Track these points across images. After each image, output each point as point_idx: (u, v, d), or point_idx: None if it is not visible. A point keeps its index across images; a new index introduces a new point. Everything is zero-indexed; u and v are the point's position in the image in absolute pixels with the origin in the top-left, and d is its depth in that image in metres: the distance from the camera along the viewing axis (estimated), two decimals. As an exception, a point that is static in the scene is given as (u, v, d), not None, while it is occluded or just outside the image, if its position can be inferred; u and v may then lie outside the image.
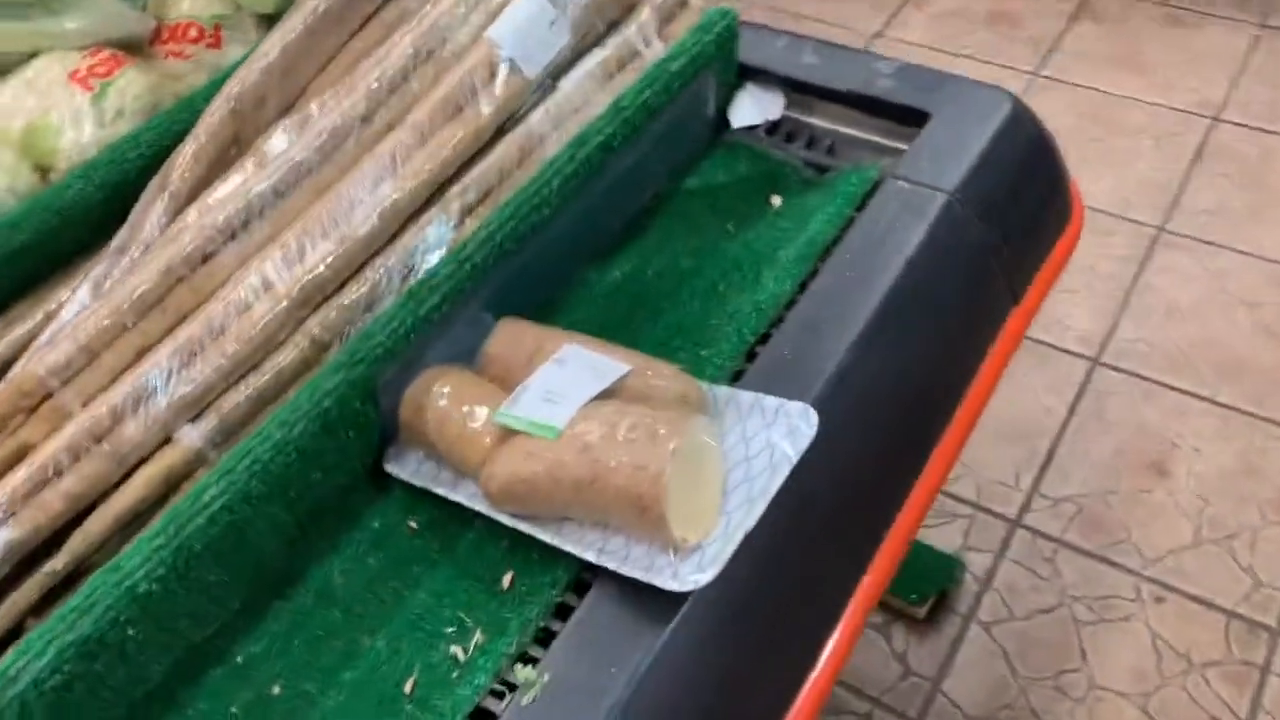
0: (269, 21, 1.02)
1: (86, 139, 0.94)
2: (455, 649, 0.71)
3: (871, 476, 0.78)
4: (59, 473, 0.69)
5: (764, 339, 0.86)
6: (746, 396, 0.76)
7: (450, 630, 0.72)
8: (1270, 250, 1.94)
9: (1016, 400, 1.73)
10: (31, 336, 0.82)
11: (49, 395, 0.71)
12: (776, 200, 0.99)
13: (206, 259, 0.77)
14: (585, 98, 0.94)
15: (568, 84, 0.93)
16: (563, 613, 0.72)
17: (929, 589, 1.48)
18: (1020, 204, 0.95)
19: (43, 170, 0.94)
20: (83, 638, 0.63)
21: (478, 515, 0.75)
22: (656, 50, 0.99)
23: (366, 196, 0.81)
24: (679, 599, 0.66)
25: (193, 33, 1.03)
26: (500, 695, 0.68)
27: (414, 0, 0.97)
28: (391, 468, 0.80)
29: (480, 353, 0.82)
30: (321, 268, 0.78)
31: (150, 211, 0.85)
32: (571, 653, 0.67)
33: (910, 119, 0.97)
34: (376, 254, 0.82)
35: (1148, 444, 1.67)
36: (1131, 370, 1.78)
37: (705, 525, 0.69)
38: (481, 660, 0.70)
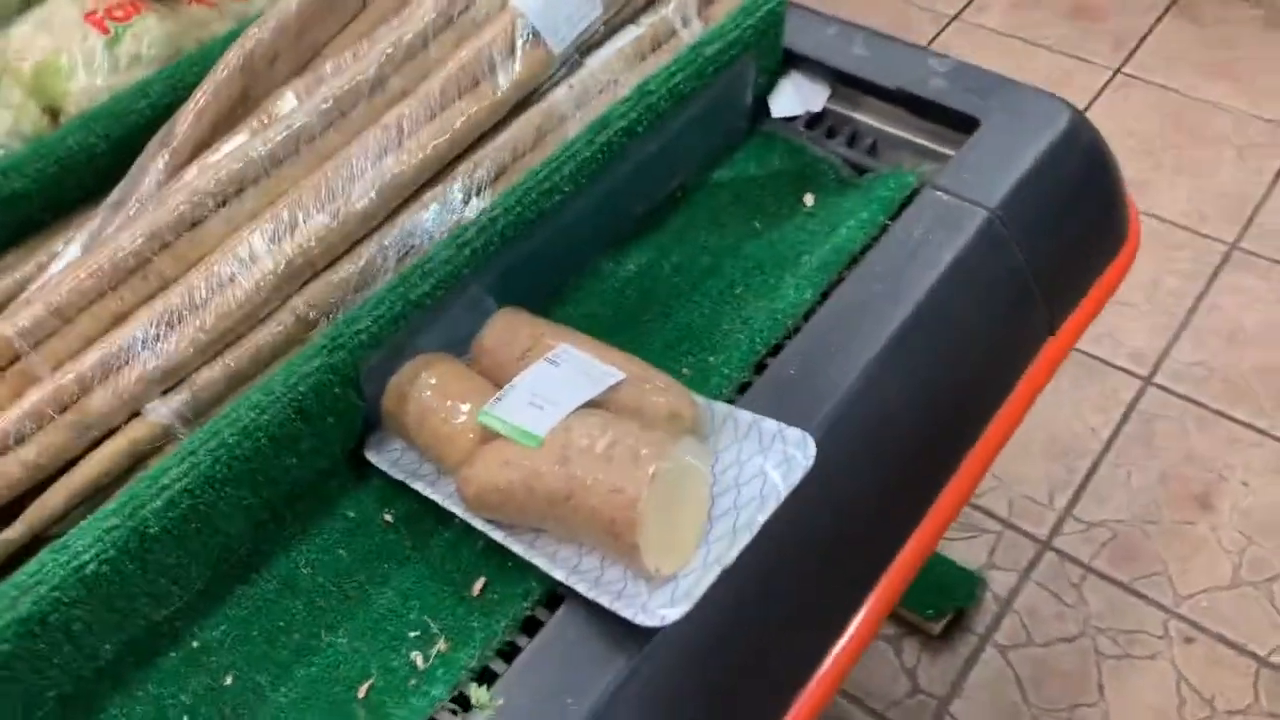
0: (298, -29, 0.98)
1: (99, 83, 0.91)
2: (416, 655, 0.68)
3: (873, 512, 0.73)
4: (20, 440, 0.66)
5: (776, 349, 0.81)
6: (745, 417, 0.71)
7: (414, 634, 0.69)
8: (1349, 279, 1.84)
9: (1059, 415, 1.66)
10: (21, 286, 0.80)
11: (17, 358, 0.69)
12: (809, 199, 0.94)
13: (194, 225, 0.74)
14: (613, 77, 0.88)
15: (595, 61, 0.88)
16: (531, 627, 0.68)
17: (946, 605, 1.43)
18: (1068, 227, 0.88)
19: (52, 113, 0.91)
20: (21, 617, 0.60)
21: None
22: (695, 30, 0.93)
23: (368, 169, 0.77)
24: (648, 631, 0.62)
25: (220, -22, 0.99)
26: (454, 712, 0.65)
27: (443, -39, 0.92)
28: (372, 456, 0.76)
29: (474, 343, 0.78)
30: (313, 242, 0.74)
31: (150, 167, 0.82)
32: (531, 676, 0.64)
33: (959, 124, 0.91)
34: (374, 231, 0.78)
35: (1194, 473, 1.59)
36: (1185, 394, 1.69)
37: (684, 554, 0.65)
38: (441, 671, 0.67)
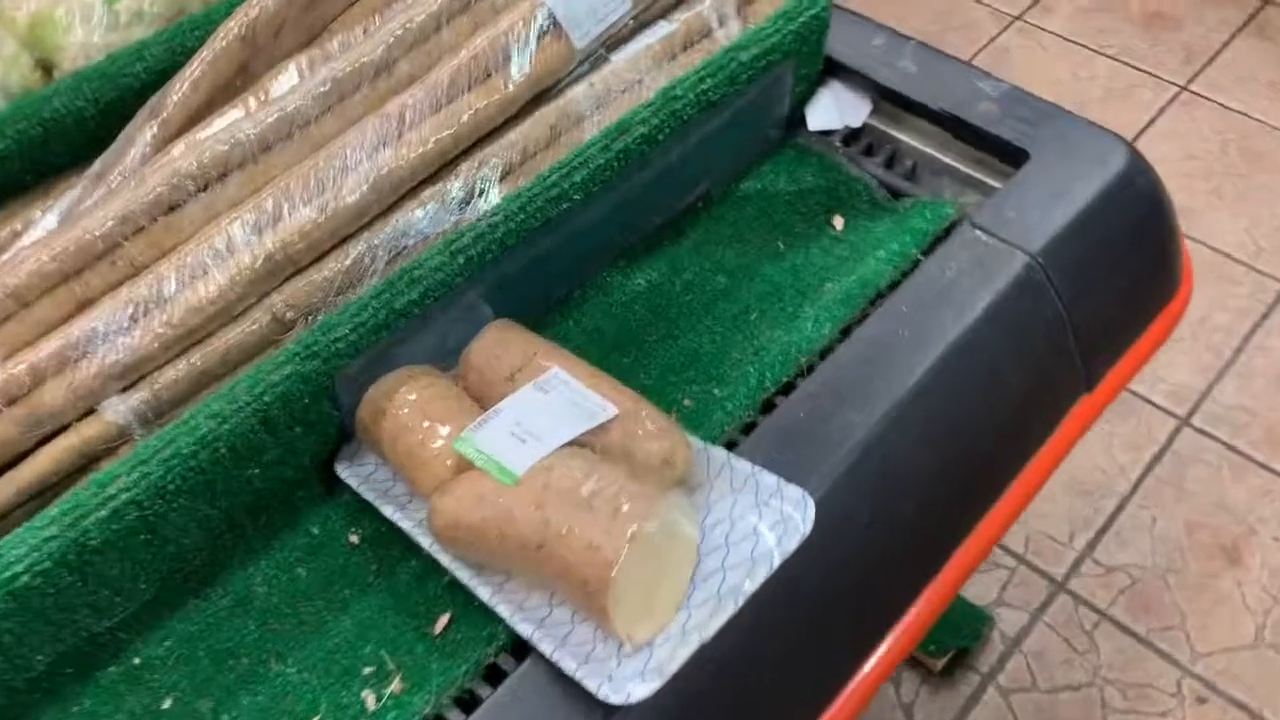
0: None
1: (96, 40, 0.86)
2: (368, 694, 0.64)
3: (874, 582, 0.68)
4: (-37, 431, 0.62)
5: (787, 388, 0.75)
6: (744, 467, 0.66)
7: (368, 670, 0.65)
8: None
9: (1088, 450, 1.58)
10: (-7, 254, 0.75)
11: (-33, 343, 0.64)
12: (839, 221, 0.87)
13: (171, 209, 0.69)
14: (638, 77, 0.82)
15: (620, 58, 0.82)
16: (494, 675, 0.64)
17: (950, 642, 1.37)
18: (1114, 279, 0.81)
19: (46, 68, 0.86)
20: (-58, 630, 0.56)
21: (423, 544, 0.67)
22: (732, 31, 0.87)
23: (364, 160, 0.72)
24: (611, 707, 0.57)
25: (233, -65, 0.93)
26: (400, 763, 0.60)
27: (469, -63, 0.86)
28: (342, 471, 0.71)
29: (462, 358, 0.73)
30: (296, 236, 0.69)
31: (137, 138, 0.77)
32: (484, 736, 0.59)
33: (1006, 154, 0.84)
34: (364, 228, 0.72)
35: (1224, 524, 1.52)
36: (1222, 438, 1.61)
37: (661, 619, 0.60)
38: (393, 715, 0.62)
